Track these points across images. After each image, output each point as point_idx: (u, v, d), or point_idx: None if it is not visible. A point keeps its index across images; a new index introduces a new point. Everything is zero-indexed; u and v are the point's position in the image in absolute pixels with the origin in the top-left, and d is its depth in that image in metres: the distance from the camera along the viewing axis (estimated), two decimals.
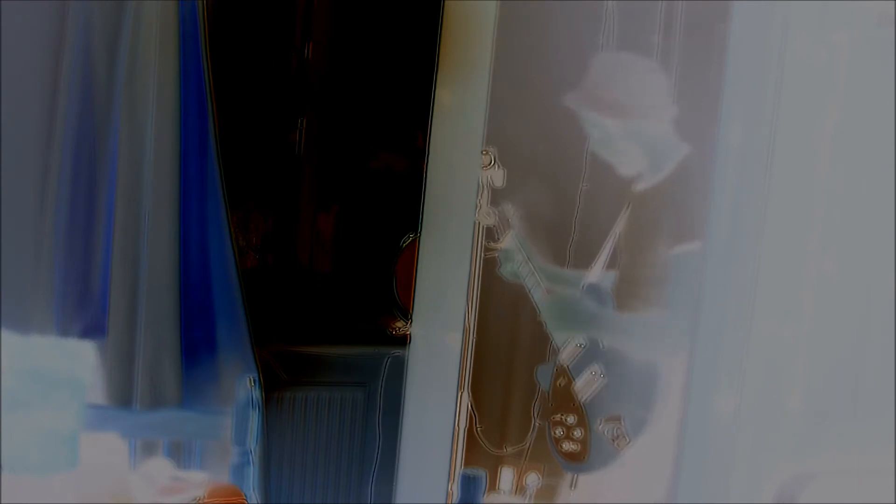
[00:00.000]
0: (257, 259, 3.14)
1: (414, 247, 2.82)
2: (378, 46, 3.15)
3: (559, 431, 2.54)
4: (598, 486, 2.54)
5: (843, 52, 2.02)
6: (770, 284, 2.05)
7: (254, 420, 2.49)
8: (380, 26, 3.14)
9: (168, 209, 2.40)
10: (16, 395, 2.28)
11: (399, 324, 3.04)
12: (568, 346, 2.55)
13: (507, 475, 2.78)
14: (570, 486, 2.61)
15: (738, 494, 2.08)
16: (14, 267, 2.31)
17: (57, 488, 2.28)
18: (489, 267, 2.66)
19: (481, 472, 2.70)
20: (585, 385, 2.52)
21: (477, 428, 2.70)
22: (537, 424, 2.70)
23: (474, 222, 2.61)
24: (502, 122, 2.57)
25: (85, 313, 2.39)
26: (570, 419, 2.53)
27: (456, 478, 2.63)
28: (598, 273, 2.54)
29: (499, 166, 2.58)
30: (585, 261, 2.58)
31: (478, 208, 2.60)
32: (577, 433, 2.51)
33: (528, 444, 2.75)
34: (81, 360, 2.37)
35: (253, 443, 2.50)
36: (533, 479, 2.72)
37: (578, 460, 2.52)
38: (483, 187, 2.59)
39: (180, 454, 2.57)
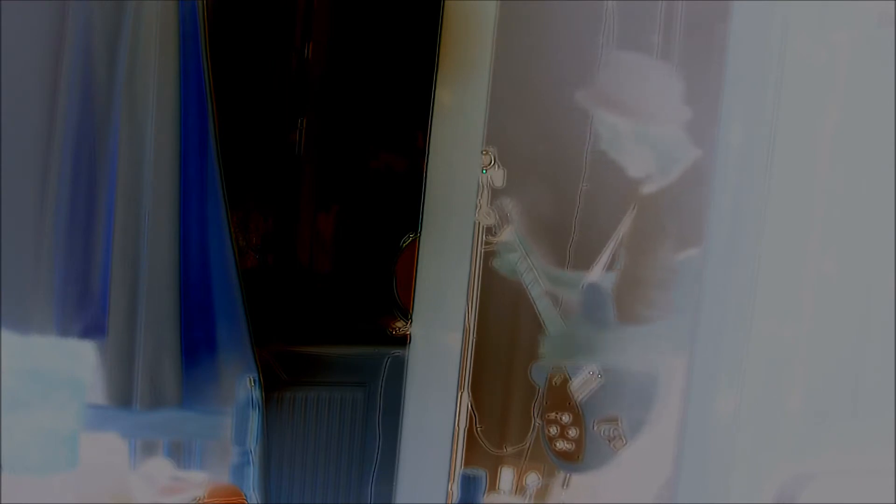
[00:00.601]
0: (257, 259, 3.14)
1: (414, 247, 2.82)
2: (378, 46, 3.14)
3: (554, 430, 2.54)
4: (592, 486, 2.54)
5: (843, 52, 2.02)
6: (770, 284, 2.05)
7: (254, 420, 2.49)
8: (380, 26, 3.14)
9: (168, 209, 2.40)
10: (16, 395, 2.28)
11: (399, 324, 3.04)
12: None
13: (507, 475, 2.78)
14: (563, 486, 2.61)
15: (738, 494, 2.08)
16: (14, 267, 2.31)
17: (57, 488, 2.28)
18: (489, 267, 2.66)
19: (481, 472, 2.70)
20: (582, 385, 2.51)
21: (477, 428, 2.70)
22: (537, 424, 2.70)
23: (474, 222, 2.61)
24: (502, 122, 2.58)
25: (85, 313, 2.39)
26: (566, 418, 2.53)
27: (456, 478, 2.63)
28: (598, 273, 2.53)
29: (499, 166, 2.58)
30: (585, 261, 2.58)
31: (478, 208, 2.60)
32: (572, 432, 2.51)
33: (528, 444, 2.75)
34: (81, 360, 2.37)
35: (253, 443, 2.50)
36: (533, 479, 2.72)
37: (572, 460, 2.52)
38: (483, 187, 2.59)
39: (180, 454, 2.57)
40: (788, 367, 2.07)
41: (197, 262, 2.49)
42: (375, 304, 3.13)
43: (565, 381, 2.54)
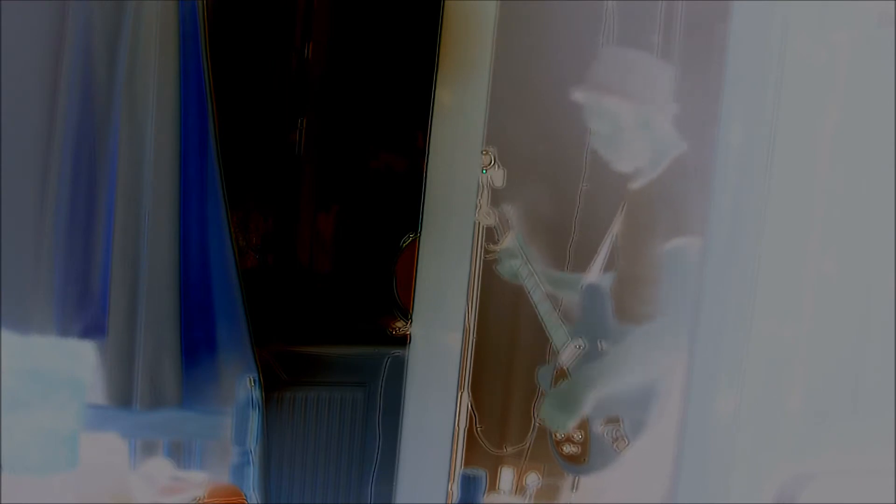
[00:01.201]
0: (257, 259, 3.14)
1: (414, 247, 2.82)
2: (378, 46, 3.15)
3: (560, 434, 2.54)
4: (598, 487, 2.54)
5: (843, 52, 2.02)
6: (770, 284, 2.05)
7: (254, 420, 2.49)
8: (380, 26, 3.14)
9: (168, 209, 2.40)
10: (16, 395, 2.28)
11: (399, 324, 3.04)
12: (567, 347, 2.55)
13: (507, 475, 2.79)
14: (572, 489, 2.61)
15: (738, 494, 2.08)
16: (14, 267, 2.31)
17: (57, 488, 2.28)
18: (489, 267, 2.67)
19: (481, 472, 2.70)
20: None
21: (477, 428, 2.70)
22: (537, 424, 2.70)
23: (474, 222, 2.61)
24: (502, 122, 2.58)
25: (85, 313, 2.39)
26: None
27: (456, 478, 2.63)
28: (596, 273, 2.53)
29: (499, 166, 2.58)
30: (585, 261, 2.58)
31: (478, 208, 2.60)
32: (577, 436, 2.51)
33: (528, 444, 2.76)
34: (81, 360, 2.37)
35: (253, 443, 2.50)
36: (533, 479, 2.73)
37: (578, 462, 2.52)
38: (483, 187, 2.59)
39: (180, 454, 2.57)
40: (788, 367, 2.07)
41: (197, 262, 2.49)
42: (375, 304, 3.13)
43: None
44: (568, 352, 2.54)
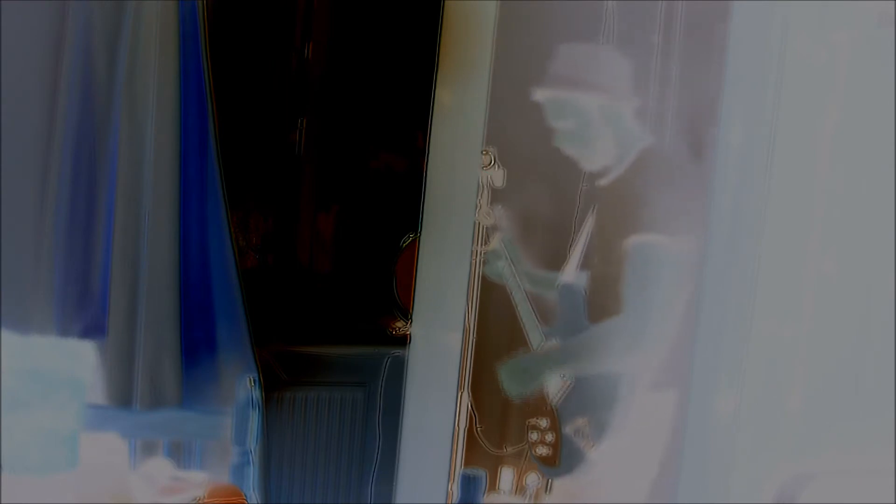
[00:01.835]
0: (257, 259, 3.14)
1: (414, 247, 2.82)
2: (378, 46, 3.15)
3: (534, 435, 2.55)
4: (572, 489, 2.54)
5: (843, 52, 2.02)
6: (770, 284, 2.05)
7: (254, 420, 2.49)
8: (380, 26, 3.14)
9: (168, 209, 2.40)
10: (16, 395, 2.28)
11: (399, 324, 3.04)
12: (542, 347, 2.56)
13: (507, 475, 2.78)
14: (546, 490, 2.61)
15: (738, 494, 2.08)
16: (14, 267, 2.31)
17: (57, 488, 2.28)
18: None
19: (481, 472, 2.70)
20: (555, 387, 2.52)
21: (477, 428, 2.70)
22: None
23: (474, 222, 2.60)
24: (502, 122, 2.57)
25: (85, 313, 2.39)
26: (543, 423, 2.53)
27: (456, 478, 2.63)
28: (572, 273, 2.53)
29: (499, 166, 2.58)
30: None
31: (478, 208, 2.60)
32: (549, 437, 2.51)
33: (527, 444, 2.75)
34: (81, 360, 2.37)
35: (253, 443, 2.50)
36: (533, 479, 2.72)
37: (550, 464, 2.52)
38: (483, 187, 2.59)
39: (180, 454, 2.57)
40: (788, 367, 2.07)
41: (197, 262, 2.49)
42: (375, 304, 3.13)
43: (542, 385, 2.54)
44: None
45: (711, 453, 2.13)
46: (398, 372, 2.80)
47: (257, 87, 3.05)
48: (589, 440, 2.44)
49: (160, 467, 2.46)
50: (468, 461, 2.67)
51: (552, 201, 2.67)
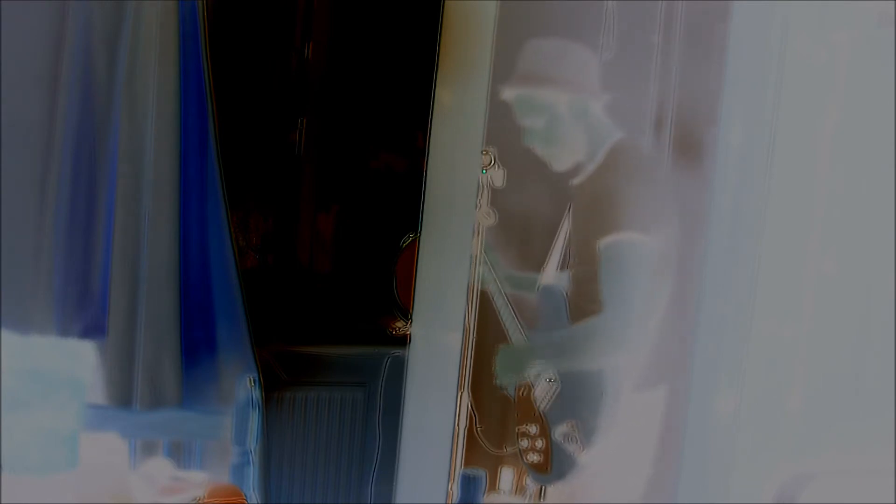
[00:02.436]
0: (257, 259, 3.14)
1: (414, 247, 2.82)
2: (378, 46, 3.14)
3: (525, 443, 2.55)
4: (567, 492, 2.53)
5: (843, 52, 2.03)
6: (770, 284, 2.05)
7: (254, 420, 2.49)
8: (380, 26, 3.14)
9: (168, 209, 2.40)
10: (16, 395, 2.28)
11: (399, 324, 3.04)
12: None
13: (507, 475, 2.78)
14: (540, 497, 2.61)
15: (738, 494, 2.09)
16: (14, 267, 2.31)
17: (57, 488, 2.28)
18: None
19: (481, 472, 2.70)
20: (543, 392, 2.51)
21: (477, 428, 2.70)
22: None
23: (474, 222, 2.60)
24: (502, 122, 2.57)
25: (85, 313, 2.39)
26: (533, 429, 2.53)
27: (456, 478, 2.63)
28: (552, 275, 2.53)
29: (499, 166, 2.58)
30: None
31: (478, 208, 2.60)
32: (539, 444, 2.51)
33: (519, 452, 2.74)
34: (81, 360, 2.37)
35: (253, 443, 2.50)
36: (531, 483, 2.72)
37: (542, 471, 2.51)
38: (483, 187, 2.59)
39: (180, 454, 2.57)
40: (788, 367, 2.08)
41: (197, 262, 2.49)
42: (375, 304, 3.13)
43: (530, 391, 2.54)
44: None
45: (711, 453, 2.13)
46: (398, 372, 2.80)
47: (257, 87, 3.05)
48: (579, 444, 2.43)
49: (160, 467, 2.46)
50: (468, 461, 2.67)
51: (552, 201, 2.67)
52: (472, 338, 2.63)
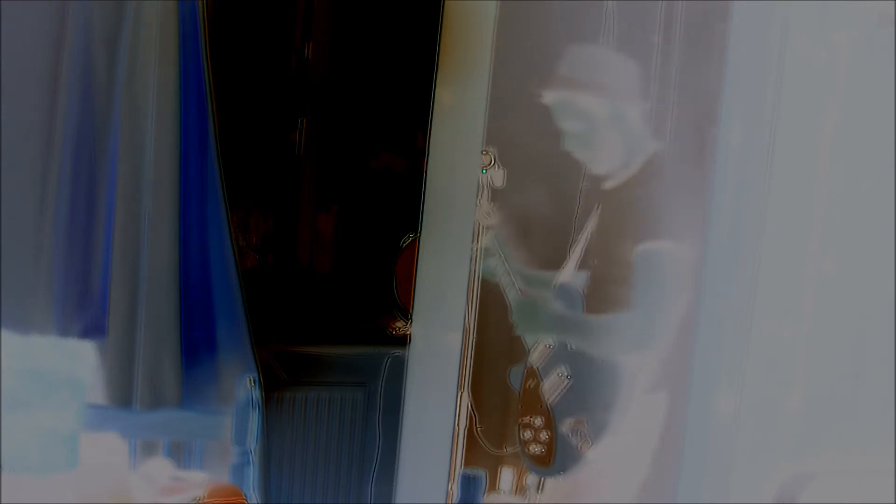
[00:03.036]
0: (257, 259, 3.14)
1: (414, 247, 2.82)
2: (378, 46, 3.15)
3: (528, 434, 2.54)
4: (566, 489, 2.53)
5: (843, 52, 2.02)
6: (770, 284, 2.05)
7: (254, 420, 2.49)
8: (380, 26, 3.14)
9: (168, 209, 2.40)
10: (16, 395, 2.28)
11: (399, 324, 3.04)
12: (537, 347, 2.55)
13: (507, 475, 2.78)
14: (538, 490, 2.61)
15: (738, 494, 2.09)
16: (14, 267, 2.31)
17: (57, 488, 2.28)
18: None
19: (481, 472, 2.70)
20: (552, 387, 2.51)
21: (477, 428, 2.70)
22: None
23: (474, 222, 2.61)
24: (502, 122, 2.57)
25: (85, 313, 2.39)
26: (538, 421, 2.53)
27: (456, 478, 2.63)
28: (570, 273, 2.53)
29: (499, 166, 2.58)
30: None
31: (478, 208, 2.60)
32: (544, 436, 2.51)
33: (520, 443, 2.74)
34: (81, 360, 2.37)
35: (253, 443, 2.50)
36: (533, 479, 2.72)
37: (544, 464, 2.51)
38: (483, 187, 2.59)
39: (180, 454, 2.57)
40: (788, 367, 2.07)
41: (197, 262, 2.49)
42: (375, 304, 3.13)
43: (538, 385, 2.54)
44: (538, 351, 2.55)
45: (711, 453, 2.13)
46: (398, 372, 2.80)
47: (257, 87, 3.05)
48: (587, 440, 2.43)
49: (160, 467, 2.46)
50: (468, 461, 2.67)
51: (551, 201, 2.67)
52: (472, 338, 2.63)
